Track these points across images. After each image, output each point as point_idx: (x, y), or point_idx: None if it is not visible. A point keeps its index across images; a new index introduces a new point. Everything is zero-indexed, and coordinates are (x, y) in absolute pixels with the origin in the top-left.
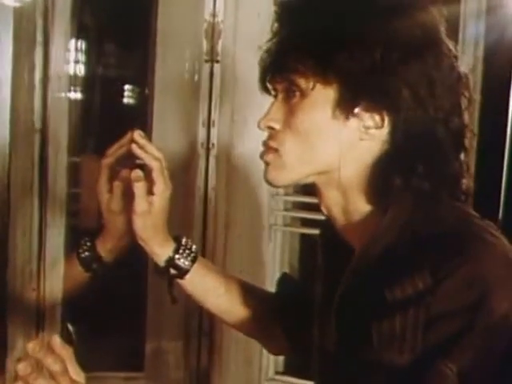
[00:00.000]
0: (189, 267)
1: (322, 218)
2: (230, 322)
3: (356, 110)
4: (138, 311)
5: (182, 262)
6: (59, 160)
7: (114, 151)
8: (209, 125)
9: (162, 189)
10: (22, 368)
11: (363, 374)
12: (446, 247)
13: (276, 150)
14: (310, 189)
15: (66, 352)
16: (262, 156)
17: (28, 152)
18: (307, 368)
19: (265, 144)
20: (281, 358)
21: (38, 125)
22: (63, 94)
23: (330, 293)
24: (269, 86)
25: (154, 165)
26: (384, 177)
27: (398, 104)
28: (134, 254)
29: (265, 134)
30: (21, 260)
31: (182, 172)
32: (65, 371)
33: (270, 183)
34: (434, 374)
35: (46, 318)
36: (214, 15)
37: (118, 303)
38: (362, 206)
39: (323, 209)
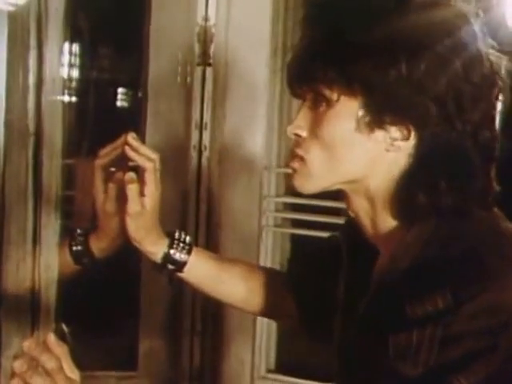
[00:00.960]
0: (185, 259)
1: (313, 219)
2: (239, 305)
3: (380, 123)
4: (131, 311)
5: (178, 256)
6: (53, 163)
7: (107, 153)
8: (201, 127)
9: (152, 190)
10: (18, 365)
11: (375, 379)
12: (470, 268)
13: (302, 158)
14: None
15: (62, 350)
16: (289, 163)
17: (22, 155)
18: (298, 366)
19: (291, 151)
20: (272, 357)
21: (32, 128)
22: (57, 98)
23: (352, 290)
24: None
25: (147, 166)
26: (408, 192)
27: (423, 118)
28: (126, 253)
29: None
30: (15, 260)
31: (175, 174)
32: (60, 369)
33: (296, 190)
34: None
35: (41, 317)
36: (206, 19)
37: (111, 302)
38: (388, 219)
39: (350, 212)
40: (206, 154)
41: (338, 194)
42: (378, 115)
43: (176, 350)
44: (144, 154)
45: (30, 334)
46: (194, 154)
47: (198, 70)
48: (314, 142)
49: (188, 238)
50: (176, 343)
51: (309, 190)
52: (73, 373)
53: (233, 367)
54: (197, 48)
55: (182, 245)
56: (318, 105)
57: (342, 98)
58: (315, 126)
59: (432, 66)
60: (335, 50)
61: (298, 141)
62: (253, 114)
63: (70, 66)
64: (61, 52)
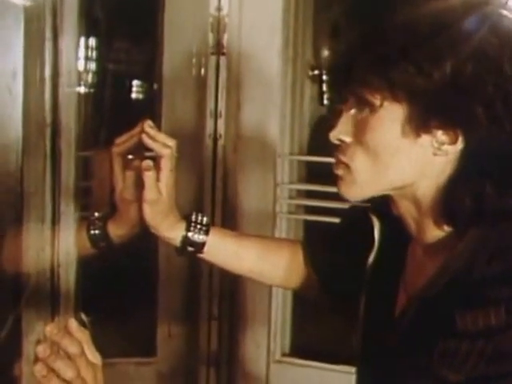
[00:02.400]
0: (204, 240)
1: (326, 205)
2: (260, 279)
3: (426, 128)
4: (149, 297)
5: (197, 237)
6: (70, 154)
7: (124, 141)
8: (216, 116)
9: (168, 175)
10: (42, 350)
11: (413, 377)
12: None
13: (347, 166)
14: (313, 177)
15: (83, 335)
16: (334, 169)
17: (40, 146)
18: (313, 350)
19: (336, 157)
20: (287, 341)
21: (48, 119)
22: (73, 89)
23: (382, 273)
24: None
25: (164, 152)
26: (454, 197)
27: (470, 122)
28: (144, 239)
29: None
30: (35, 248)
31: (191, 163)
32: (82, 353)
33: (342, 196)
34: None
35: (61, 303)
36: (219, 9)
37: (129, 289)
38: (433, 225)
39: (394, 211)
40: (221, 142)
41: None
42: (423, 120)
43: (193, 336)
44: (161, 141)
45: (51, 319)
46: (209, 142)
47: (212, 60)
48: (358, 148)
49: (205, 219)
50: (193, 328)
51: (355, 197)
52: (94, 357)
53: (249, 351)
54: (210, 38)
55: (199, 226)
56: (361, 110)
57: (386, 103)
58: (359, 132)
59: (478, 68)
60: (376, 53)
61: (342, 147)
62: (266, 102)
63: (86, 58)
64: (76, 44)
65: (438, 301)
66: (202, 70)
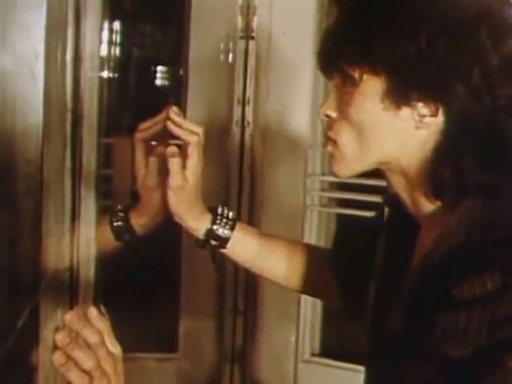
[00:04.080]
0: (229, 235)
1: (359, 198)
2: (281, 282)
3: (406, 101)
4: (172, 291)
5: (222, 232)
6: (92, 140)
7: (148, 127)
8: (243, 103)
9: (195, 163)
10: (61, 338)
11: (418, 360)
12: None
13: (334, 142)
14: None
15: (103, 324)
16: (324, 146)
17: (60, 132)
18: (344, 350)
19: (324, 134)
20: (317, 341)
21: (70, 105)
22: (96, 74)
23: (391, 264)
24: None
25: (191, 139)
26: (436, 170)
27: (449, 94)
28: (166, 233)
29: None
30: (55, 237)
31: (217, 151)
32: (102, 343)
33: (334, 175)
34: (496, 367)
35: (80, 296)
36: None
37: (151, 283)
38: (424, 199)
39: (391, 190)
40: (248, 130)
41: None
42: (403, 92)
43: (218, 331)
44: (187, 128)
45: (69, 308)
46: (236, 130)
47: (241, 44)
48: (343, 123)
49: (231, 214)
50: (218, 323)
51: (345, 174)
52: (115, 348)
53: (276, 347)
54: (239, 21)
55: (225, 220)
56: (345, 85)
57: (365, 76)
58: (343, 107)
59: (454, 40)
60: (354, 28)
61: (330, 122)
62: (297, 89)
63: (110, 42)
64: (100, 27)
65: (434, 275)
66: (230, 55)
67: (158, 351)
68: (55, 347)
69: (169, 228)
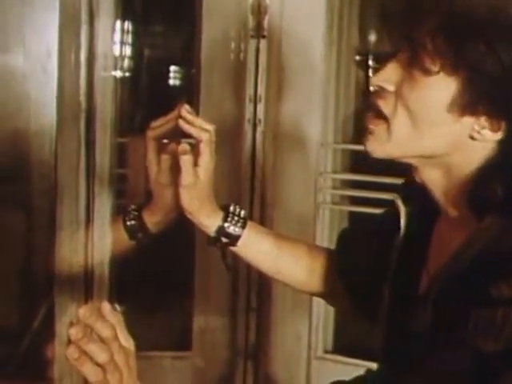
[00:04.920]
0: (239, 233)
1: (371, 195)
2: (289, 282)
3: (472, 111)
4: (185, 289)
5: (233, 229)
6: (106, 140)
7: (160, 125)
8: (255, 101)
9: (207, 161)
10: (74, 333)
11: (448, 356)
12: None
13: (385, 120)
14: (358, 167)
15: (116, 319)
16: (368, 123)
17: (74, 132)
18: (357, 346)
19: (375, 105)
20: (330, 337)
21: (84, 104)
22: (109, 74)
23: (410, 262)
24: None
25: (203, 137)
26: (487, 184)
27: None
28: (180, 231)
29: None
30: (68, 237)
31: (229, 149)
32: (115, 337)
33: (368, 153)
34: None
35: (95, 292)
36: None
37: (164, 281)
38: (460, 202)
39: (417, 179)
40: (260, 128)
41: (396, 171)
42: (473, 102)
43: (231, 328)
44: (199, 125)
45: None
46: (248, 128)
47: (252, 43)
48: (399, 104)
49: (243, 212)
50: (231, 321)
51: (382, 155)
52: (127, 342)
53: (289, 345)
54: (250, 20)
55: (236, 218)
56: (413, 67)
57: (443, 72)
58: (404, 87)
59: None
60: (453, 24)
61: (382, 95)
62: (308, 87)
63: (122, 42)
64: (113, 27)
65: (467, 274)
66: (242, 54)
67: (172, 349)
68: (69, 341)
69: (183, 227)
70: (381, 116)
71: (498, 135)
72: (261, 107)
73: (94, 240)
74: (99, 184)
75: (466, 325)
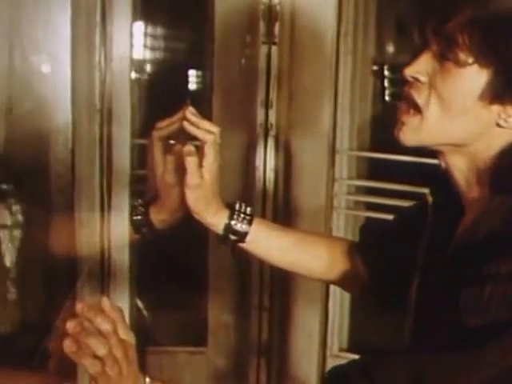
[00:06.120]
0: (247, 230)
1: (386, 202)
2: (306, 273)
3: (501, 99)
4: (201, 286)
5: (240, 227)
6: (125, 141)
7: (165, 125)
8: (267, 105)
9: (212, 162)
10: (72, 326)
11: (442, 331)
12: None
13: (418, 111)
14: (373, 173)
15: (117, 313)
16: (400, 115)
17: (90, 132)
18: (371, 345)
19: (409, 95)
20: (345, 336)
21: (99, 105)
22: (126, 76)
23: (434, 249)
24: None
25: (207, 138)
26: (506, 168)
27: None
28: (194, 230)
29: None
30: (86, 240)
31: (241, 153)
32: (115, 331)
33: (398, 140)
34: (508, 336)
35: (114, 290)
36: None
37: (180, 278)
38: (480, 185)
39: (442, 163)
40: (272, 132)
41: (413, 178)
42: (502, 91)
43: (244, 326)
44: (204, 127)
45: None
46: (260, 132)
47: (264, 49)
48: (432, 94)
49: (249, 209)
50: (244, 319)
51: (412, 143)
52: (128, 336)
53: (301, 342)
54: (262, 27)
55: (242, 215)
56: (446, 59)
57: (475, 65)
58: (437, 78)
59: None
60: (485, 19)
61: (415, 86)
62: (320, 93)
63: (137, 45)
64: (128, 30)
65: (470, 254)
66: (253, 58)
67: (188, 345)
68: (65, 334)
69: (196, 227)
70: (413, 106)
71: None
72: (272, 112)
73: (111, 238)
74: (117, 184)
75: (457, 301)
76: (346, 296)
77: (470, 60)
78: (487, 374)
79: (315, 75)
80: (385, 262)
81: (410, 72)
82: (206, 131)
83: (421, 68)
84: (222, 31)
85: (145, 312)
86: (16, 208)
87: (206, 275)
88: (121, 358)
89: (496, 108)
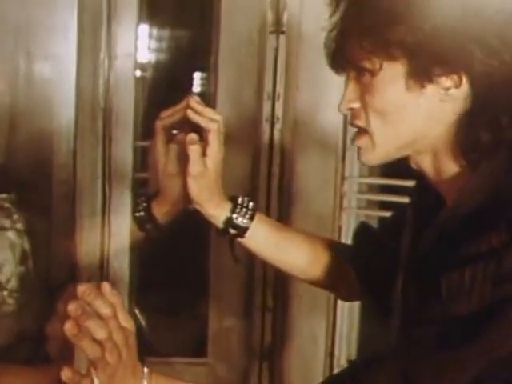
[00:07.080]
0: (247, 225)
1: (398, 200)
2: (298, 275)
3: (429, 78)
4: (201, 289)
5: (241, 221)
6: (128, 143)
7: (169, 115)
8: (273, 98)
9: (215, 150)
10: (73, 309)
11: (429, 324)
12: None
13: (365, 131)
14: (385, 171)
15: (116, 298)
16: (353, 141)
17: (93, 132)
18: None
19: (352, 125)
20: (354, 346)
21: (102, 104)
22: (129, 76)
23: (415, 245)
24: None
25: (211, 127)
26: (470, 132)
27: (470, 61)
28: (196, 233)
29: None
30: (87, 242)
31: (246, 147)
32: (114, 316)
33: (365, 164)
34: (502, 319)
35: None
36: None
37: (179, 282)
38: (451, 165)
39: (413, 164)
40: (278, 126)
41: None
42: (425, 70)
43: (246, 328)
44: (207, 115)
45: None
46: (266, 126)
47: (271, 39)
48: (369, 112)
49: (251, 204)
50: (246, 321)
51: (375, 160)
52: (127, 322)
53: (305, 346)
54: (269, 16)
55: (244, 210)
56: (363, 76)
57: (384, 64)
58: (365, 96)
59: (465, 10)
60: (367, 20)
61: (354, 113)
62: (328, 84)
63: (142, 43)
64: (133, 31)
65: (447, 236)
66: (260, 49)
67: (188, 350)
68: (67, 317)
69: (197, 228)
70: (361, 131)
71: (464, 86)
72: (279, 105)
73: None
74: (119, 185)
75: (440, 290)
76: (355, 305)
77: (377, 65)
78: (487, 363)
79: (324, 65)
80: (373, 267)
81: (344, 107)
82: (210, 119)
83: (351, 97)
84: (228, 20)
85: (143, 321)
86: (16, 217)
87: (206, 280)
88: (120, 344)
89: (430, 88)
